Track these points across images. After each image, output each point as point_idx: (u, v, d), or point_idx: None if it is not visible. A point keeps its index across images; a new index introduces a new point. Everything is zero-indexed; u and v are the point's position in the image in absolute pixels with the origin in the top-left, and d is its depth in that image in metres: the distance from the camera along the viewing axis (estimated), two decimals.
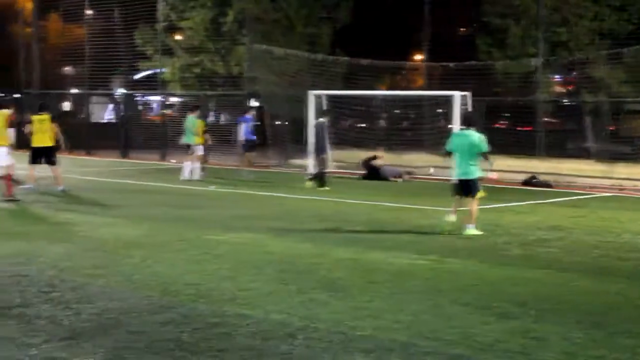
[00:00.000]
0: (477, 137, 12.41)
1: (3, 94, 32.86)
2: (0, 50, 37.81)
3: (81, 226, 12.28)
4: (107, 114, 41.46)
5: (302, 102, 23.73)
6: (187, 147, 21.78)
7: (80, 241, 10.87)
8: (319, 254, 10.20)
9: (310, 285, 8.29)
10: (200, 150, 21.93)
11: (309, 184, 19.86)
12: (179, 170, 22.04)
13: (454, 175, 12.69)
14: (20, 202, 15.30)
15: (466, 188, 12.49)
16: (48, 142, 17.34)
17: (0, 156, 16.01)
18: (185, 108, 28.33)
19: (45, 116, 17.54)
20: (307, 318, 6.97)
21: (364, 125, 31.02)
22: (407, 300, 7.78)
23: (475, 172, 12.50)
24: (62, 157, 18.42)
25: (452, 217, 12.59)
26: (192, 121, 21.95)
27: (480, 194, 12.67)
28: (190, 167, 21.43)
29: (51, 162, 17.49)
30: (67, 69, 35.66)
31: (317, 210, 15.07)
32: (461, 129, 13.45)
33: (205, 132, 22.32)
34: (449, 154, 12.78)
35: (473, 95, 21.45)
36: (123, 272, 8.80)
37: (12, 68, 37.13)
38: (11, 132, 16.41)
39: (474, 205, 12.45)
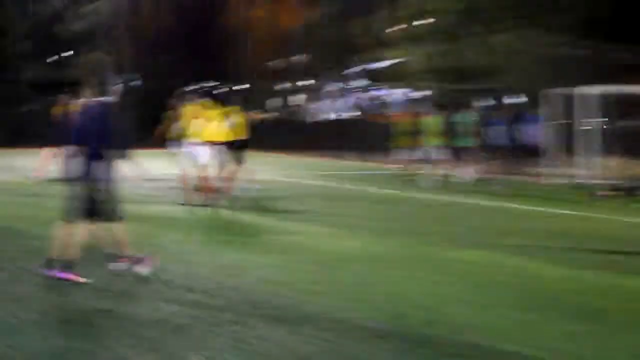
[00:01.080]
0: None
1: (220, 88, 34.42)
2: (217, 42, 39.61)
3: (296, 236, 12.40)
4: (339, 110, 42.24)
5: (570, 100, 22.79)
6: (461, 151, 21.54)
7: (295, 253, 10.94)
8: (569, 278, 9.60)
9: (561, 315, 7.71)
10: (439, 153, 21.63)
11: None
12: (414, 176, 21.82)
13: None
14: (209, 208, 15.50)
15: None
16: (238, 137, 17.18)
17: (202, 154, 16.27)
18: (430, 104, 28.07)
19: (234, 108, 17.57)
20: (568, 354, 6.49)
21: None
22: None
23: None
24: (281, 158, 18.70)
25: None
26: (464, 119, 21.66)
27: None
28: (467, 172, 21.15)
29: (241, 159, 17.43)
30: (292, 60, 36.61)
31: (569, 228, 14.21)
32: None
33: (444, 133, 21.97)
34: None
35: None
36: (343, 290, 8.68)
37: (230, 59, 38.86)
38: (227, 124, 16.71)
39: None
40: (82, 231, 8.67)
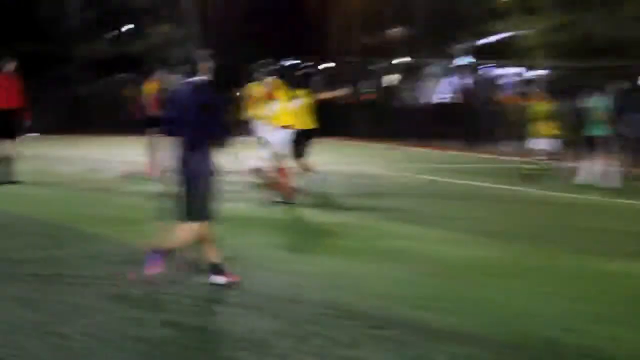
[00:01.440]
0: None
1: (309, 64, 34.44)
2: (300, 12, 39.65)
3: (398, 240, 12.26)
4: (442, 92, 41.91)
5: None
6: (591, 142, 21.26)
7: (413, 262, 10.77)
8: None
9: None
10: (560, 144, 21.40)
11: None
12: (534, 170, 21.57)
13: None
14: (288, 205, 15.53)
15: None
16: (309, 125, 17.09)
17: (280, 140, 16.10)
18: (549, 85, 27.78)
19: (304, 92, 17.24)
20: None
21: None
22: None
23: None
24: (376, 148, 18.65)
25: None
26: (594, 104, 21.39)
27: None
28: (596, 169, 20.83)
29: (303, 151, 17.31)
30: (392, 32, 36.49)
31: None
32: None
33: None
34: None
35: None
36: (473, 308, 8.52)
37: (325, 32, 38.94)
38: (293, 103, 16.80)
39: None
40: (179, 232, 8.80)
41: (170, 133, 8.69)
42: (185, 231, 8.75)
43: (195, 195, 8.65)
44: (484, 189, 19.95)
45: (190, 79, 8.76)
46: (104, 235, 11.79)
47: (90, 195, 16.32)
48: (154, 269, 8.74)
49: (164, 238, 8.86)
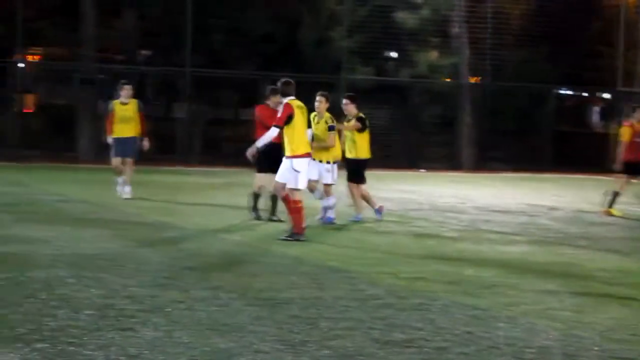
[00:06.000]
0: None
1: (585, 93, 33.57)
2: (588, 37, 38.78)
3: None
4: None
5: None
6: None
7: None
8: None
9: None
10: None
11: None
12: None
13: None
14: None
15: None
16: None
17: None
18: None
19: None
20: None
21: None
22: None
23: None
24: None
25: None
26: None
27: None
28: None
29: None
30: None
31: None
32: None
33: None
34: None
35: None
36: None
37: (602, 57, 38.04)
38: None
39: None
40: None
41: None
42: None
43: None
44: None
45: None
46: (369, 277, 11.97)
47: (353, 235, 16.09)
48: None
49: None
